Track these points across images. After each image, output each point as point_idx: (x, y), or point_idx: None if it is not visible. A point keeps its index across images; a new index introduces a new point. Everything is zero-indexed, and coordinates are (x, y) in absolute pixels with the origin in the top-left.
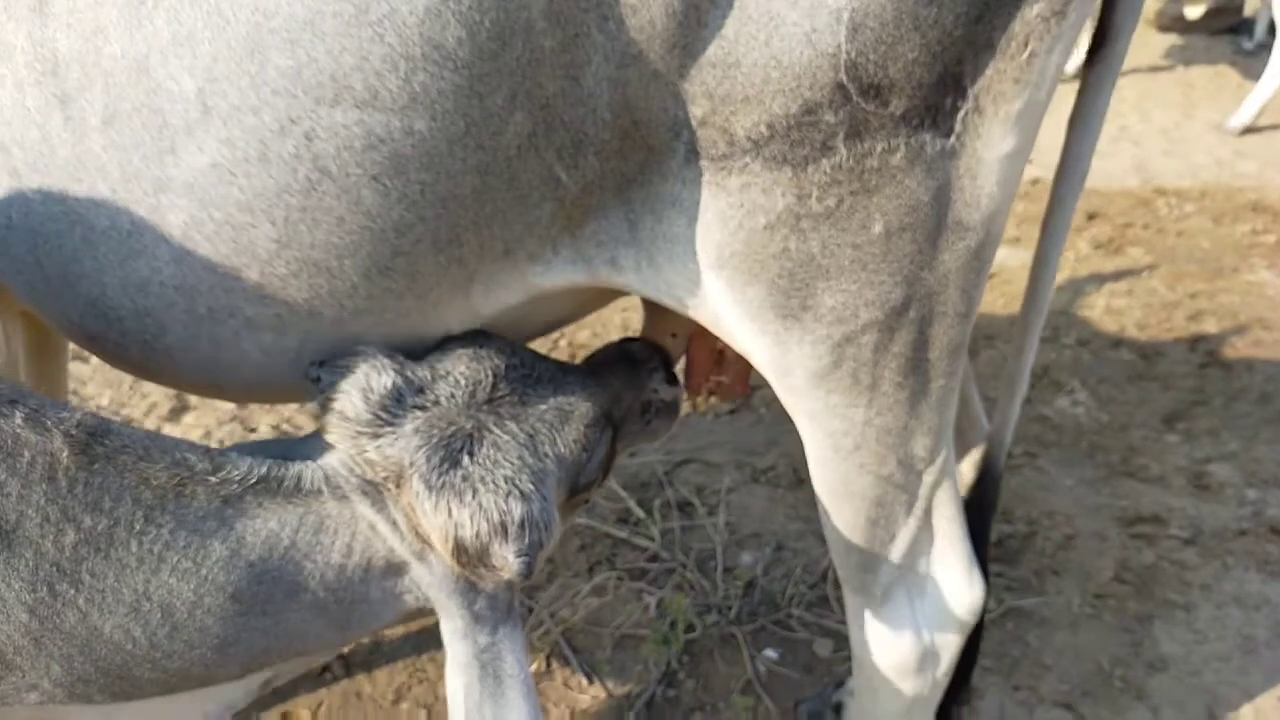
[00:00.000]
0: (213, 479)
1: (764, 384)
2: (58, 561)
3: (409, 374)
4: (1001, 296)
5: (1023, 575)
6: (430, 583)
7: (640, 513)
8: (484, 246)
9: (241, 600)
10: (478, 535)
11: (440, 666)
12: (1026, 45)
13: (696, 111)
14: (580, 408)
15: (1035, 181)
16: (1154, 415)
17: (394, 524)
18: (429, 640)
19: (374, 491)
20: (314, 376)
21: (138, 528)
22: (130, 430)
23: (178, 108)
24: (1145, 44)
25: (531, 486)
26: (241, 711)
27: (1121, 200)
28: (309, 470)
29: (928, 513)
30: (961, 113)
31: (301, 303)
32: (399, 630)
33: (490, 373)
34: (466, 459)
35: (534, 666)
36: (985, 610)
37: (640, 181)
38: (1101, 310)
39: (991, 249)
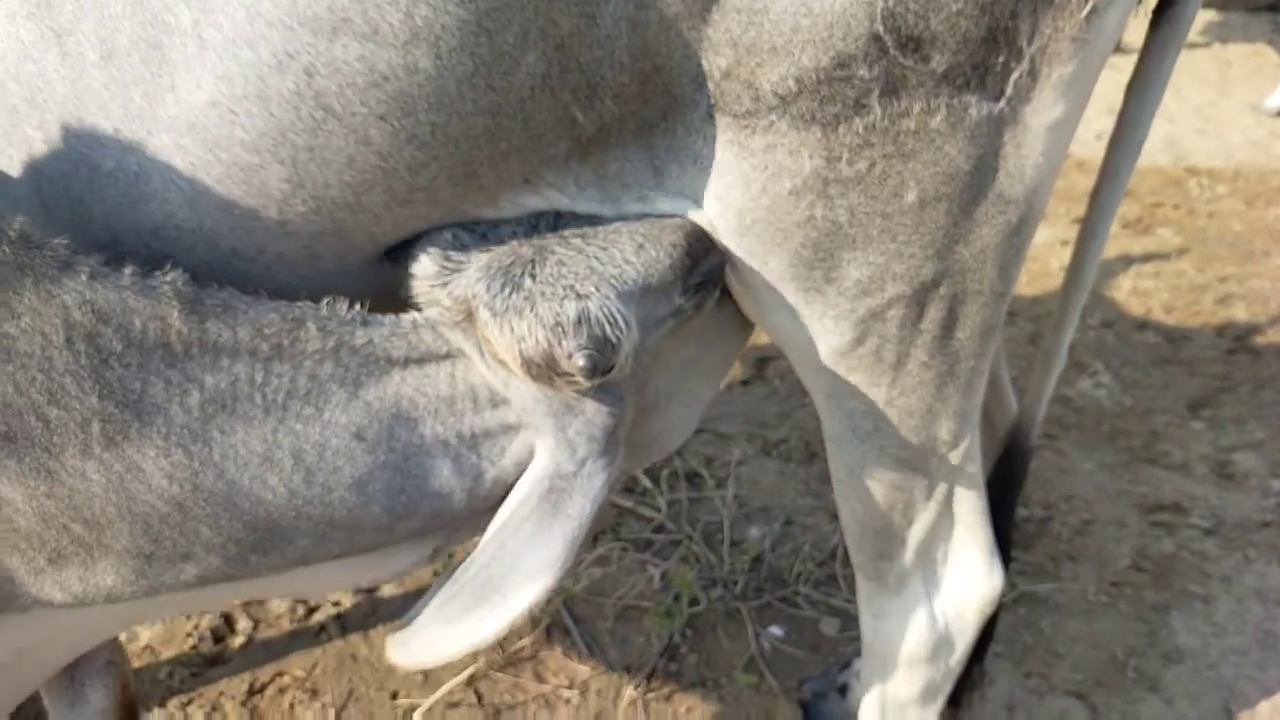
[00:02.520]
0: (324, 313)
1: (777, 355)
2: (187, 424)
3: (469, 226)
4: (1025, 274)
5: (1038, 560)
6: (524, 407)
7: (647, 482)
8: (502, 178)
9: (365, 438)
10: (538, 343)
11: None
12: (1088, 0)
13: (720, 62)
14: (672, 221)
15: None
16: (1178, 401)
17: (482, 354)
18: None
19: (465, 327)
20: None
21: (259, 379)
22: (228, 288)
23: (175, 41)
24: None
25: (592, 288)
26: (234, 668)
27: (1152, 179)
28: (407, 315)
29: (949, 499)
30: (1015, 74)
31: (329, 233)
32: (396, 591)
33: (553, 207)
34: (529, 281)
35: (533, 635)
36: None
37: (663, 129)
38: (1128, 291)
39: (1032, 226)
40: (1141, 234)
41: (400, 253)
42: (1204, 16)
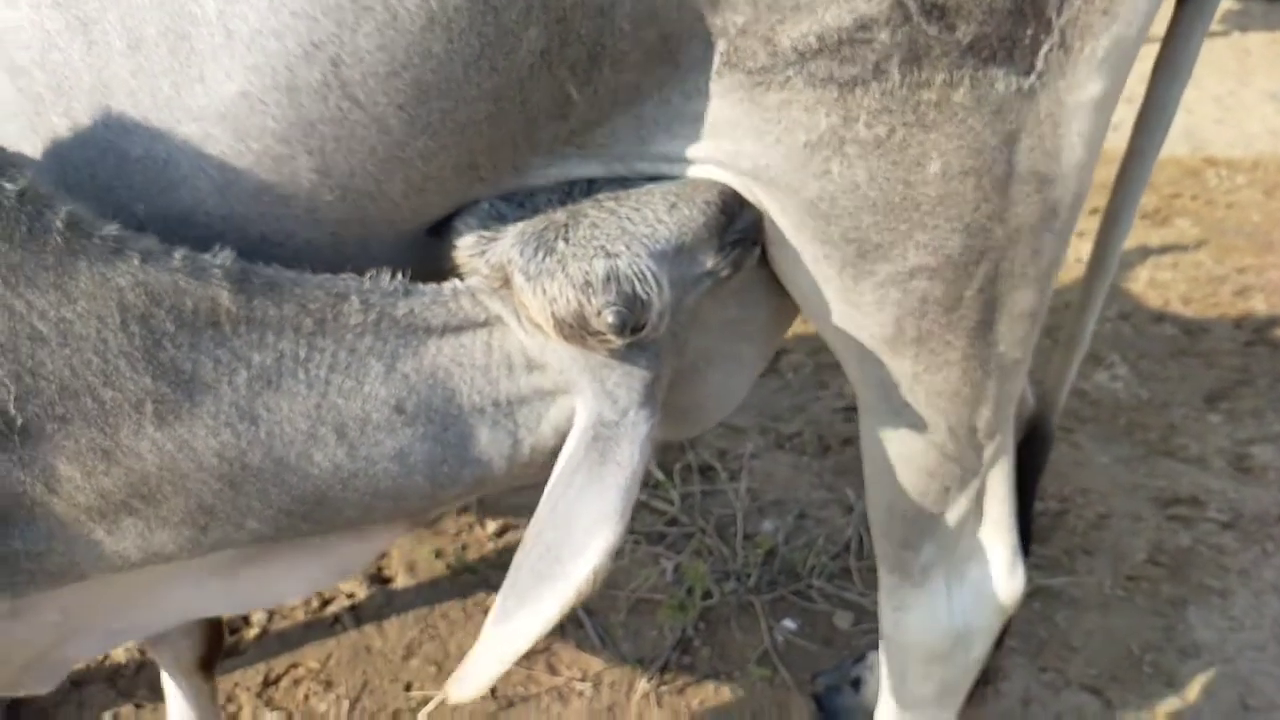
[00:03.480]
0: (367, 286)
1: (790, 349)
2: (235, 402)
3: (505, 196)
4: None
5: (1053, 554)
6: (562, 367)
7: (660, 475)
8: (497, 166)
9: (405, 411)
10: (569, 302)
11: (451, 624)
12: None
13: (736, 19)
14: (706, 180)
15: None
16: (1196, 393)
17: (519, 320)
18: (441, 594)
19: (503, 293)
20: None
21: (303, 355)
22: (274, 265)
23: (202, 32)
24: None
25: (623, 247)
26: (249, 659)
27: (1170, 169)
28: (448, 283)
29: (980, 493)
30: (1045, 48)
31: (354, 220)
32: (410, 582)
33: (586, 175)
34: (561, 244)
35: None
36: None
37: (658, 99)
38: (1145, 283)
39: (1073, 210)
40: (1159, 225)
41: (442, 225)
42: (1223, 4)
